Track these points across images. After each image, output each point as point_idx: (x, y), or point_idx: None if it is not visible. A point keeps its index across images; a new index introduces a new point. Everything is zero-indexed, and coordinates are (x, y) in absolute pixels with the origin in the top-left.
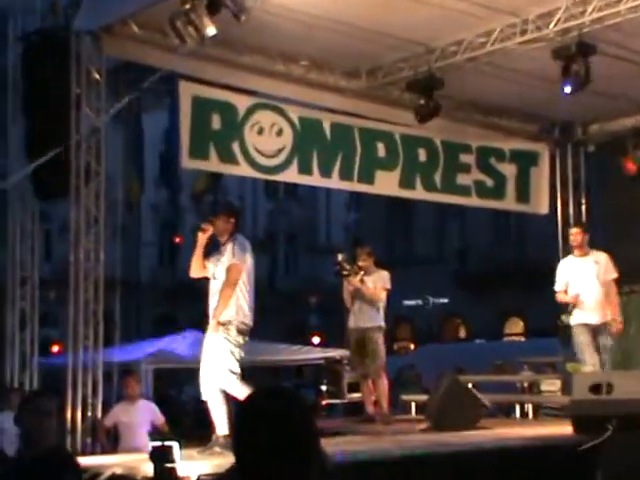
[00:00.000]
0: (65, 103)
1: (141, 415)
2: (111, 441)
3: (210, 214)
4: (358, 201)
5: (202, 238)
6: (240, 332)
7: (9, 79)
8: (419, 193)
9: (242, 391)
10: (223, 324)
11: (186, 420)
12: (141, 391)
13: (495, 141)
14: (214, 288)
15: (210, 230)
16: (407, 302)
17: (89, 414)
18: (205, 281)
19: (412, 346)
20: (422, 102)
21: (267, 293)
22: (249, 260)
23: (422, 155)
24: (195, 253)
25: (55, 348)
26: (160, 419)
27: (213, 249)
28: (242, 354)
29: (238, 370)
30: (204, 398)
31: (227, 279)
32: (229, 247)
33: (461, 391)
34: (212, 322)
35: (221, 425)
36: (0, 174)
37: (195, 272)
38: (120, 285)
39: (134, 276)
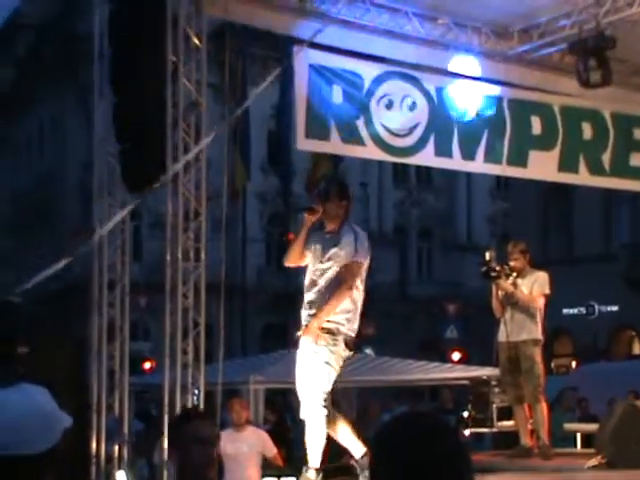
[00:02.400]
0: (159, 73)
1: (249, 445)
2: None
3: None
4: (506, 188)
5: (309, 221)
6: (347, 345)
7: (94, 47)
8: (583, 177)
9: (319, 421)
10: (329, 332)
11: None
12: (249, 417)
13: None
14: (315, 281)
15: (319, 213)
16: (567, 311)
17: None
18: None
19: (574, 364)
20: (588, 66)
21: (396, 300)
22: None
23: (587, 131)
24: (298, 237)
25: (146, 365)
26: (272, 450)
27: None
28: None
29: (328, 391)
30: (302, 417)
31: (344, 278)
32: (347, 239)
33: (639, 420)
34: (313, 325)
35: (313, 455)
36: (85, 163)
37: (292, 260)
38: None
39: (238, 279)
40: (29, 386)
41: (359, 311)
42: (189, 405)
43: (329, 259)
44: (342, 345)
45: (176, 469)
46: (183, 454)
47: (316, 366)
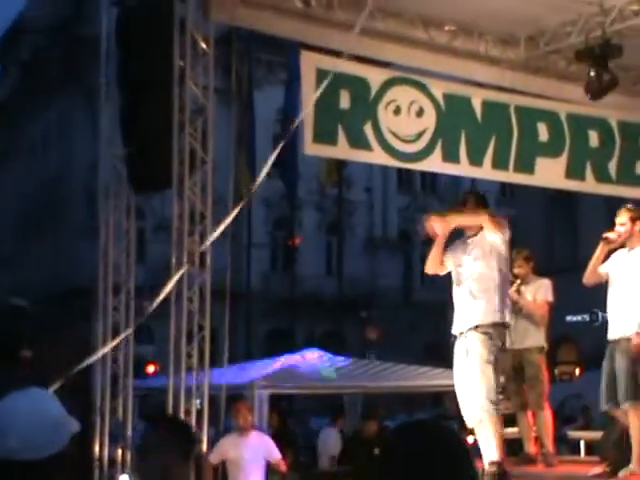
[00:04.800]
0: (166, 78)
1: (253, 451)
2: None
3: (336, 209)
4: (512, 195)
5: (446, 230)
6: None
7: (101, 50)
8: (589, 185)
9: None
10: (485, 332)
11: (308, 458)
12: (254, 422)
13: None
14: (462, 285)
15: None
16: (571, 318)
17: None
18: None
19: (578, 371)
20: (594, 74)
21: (401, 305)
22: None
23: (593, 138)
24: (436, 246)
25: (150, 368)
26: (276, 456)
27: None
28: None
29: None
30: (470, 425)
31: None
32: (492, 237)
33: None
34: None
35: (490, 452)
36: (91, 165)
37: (432, 268)
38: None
39: (243, 284)
40: (37, 390)
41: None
42: (193, 409)
43: (475, 260)
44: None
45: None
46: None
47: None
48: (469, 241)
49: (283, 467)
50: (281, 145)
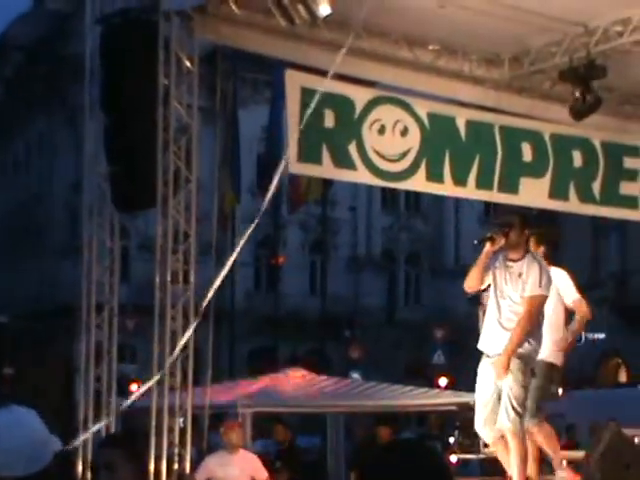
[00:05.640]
0: (151, 96)
1: (240, 469)
2: None
3: (320, 228)
4: (495, 214)
5: (489, 250)
6: (532, 370)
7: (86, 68)
8: (573, 205)
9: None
10: (520, 357)
11: (294, 475)
12: (243, 440)
13: None
14: (498, 309)
15: (501, 242)
16: None
17: (176, 467)
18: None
19: (560, 391)
20: (578, 95)
21: (384, 324)
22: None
23: (577, 159)
24: (477, 264)
25: (134, 387)
26: (262, 474)
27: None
28: None
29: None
30: (489, 442)
31: (529, 310)
32: (533, 270)
33: (626, 448)
34: (502, 357)
35: (514, 470)
36: (73, 183)
37: (472, 286)
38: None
39: (227, 303)
40: (18, 408)
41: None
42: (176, 428)
43: (513, 288)
44: (528, 369)
45: None
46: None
47: (507, 387)
48: (510, 264)
49: None
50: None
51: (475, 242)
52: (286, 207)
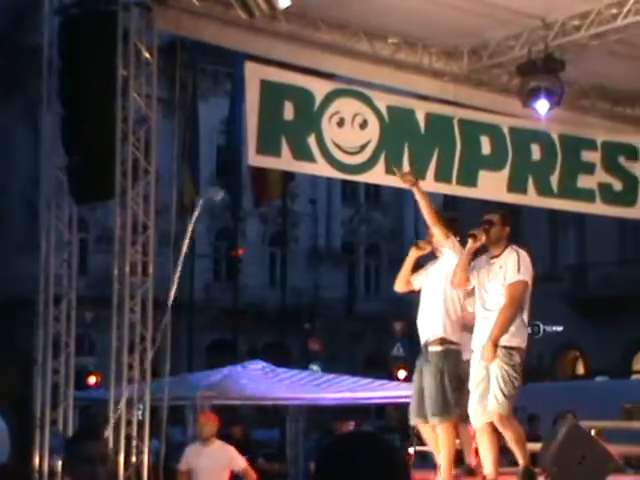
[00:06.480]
0: (109, 87)
1: (213, 460)
2: None
3: (280, 220)
4: (454, 207)
5: (472, 247)
6: (521, 364)
7: (43, 59)
8: (531, 198)
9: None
10: (506, 348)
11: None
12: (215, 431)
13: (626, 135)
14: (484, 304)
15: (482, 239)
16: None
17: (134, 459)
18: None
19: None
20: (532, 89)
21: (344, 317)
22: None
23: (536, 152)
24: (461, 262)
25: (92, 379)
26: (240, 464)
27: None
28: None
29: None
30: (476, 427)
31: (510, 297)
32: (512, 259)
33: (583, 440)
34: (488, 344)
35: (487, 464)
36: (32, 176)
37: (459, 284)
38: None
39: (185, 295)
40: None
41: (526, 327)
42: (134, 420)
43: (494, 281)
44: (519, 360)
45: None
46: (74, 473)
47: (494, 380)
48: (492, 261)
49: (252, 475)
50: None
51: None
52: (252, 200)
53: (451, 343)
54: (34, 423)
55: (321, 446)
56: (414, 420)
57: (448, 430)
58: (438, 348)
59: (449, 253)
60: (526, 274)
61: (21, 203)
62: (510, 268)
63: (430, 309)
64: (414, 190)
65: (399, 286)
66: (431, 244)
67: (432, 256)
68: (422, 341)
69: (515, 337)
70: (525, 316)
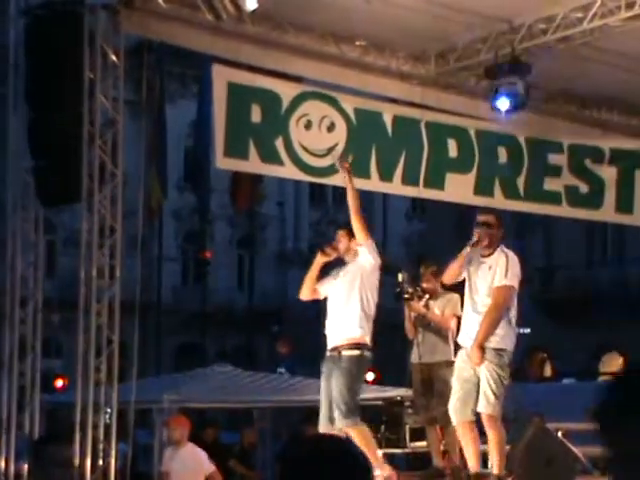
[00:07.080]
0: (76, 90)
1: (185, 463)
2: None
3: (248, 223)
4: (422, 210)
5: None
6: (509, 365)
7: (9, 61)
8: (498, 201)
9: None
10: (496, 350)
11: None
12: (186, 435)
13: (592, 139)
14: (474, 304)
15: (484, 242)
16: None
17: (100, 463)
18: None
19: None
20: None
21: (312, 319)
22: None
23: (502, 155)
24: (456, 260)
25: (59, 382)
26: (209, 468)
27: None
28: None
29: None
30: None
31: (495, 301)
32: (501, 262)
33: (549, 442)
34: (474, 348)
35: (471, 459)
36: None
37: (449, 279)
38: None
39: (152, 298)
40: None
41: (514, 329)
42: (101, 423)
43: (482, 280)
44: (507, 362)
45: None
46: (43, 477)
47: (484, 380)
48: (483, 261)
49: (219, 478)
50: None
51: (467, 248)
52: (230, 203)
53: (367, 349)
54: (0, 426)
55: (283, 450)
56: (325, 427)
57: (360, 434)
58: (355, 352)
59: (365, 253)
60: (513, 279)
61: None
62: (498, 272)
63: (343, 311)
64: (346, 177)
65: (304, 294)
66: (337, 250)
67: (340, 262)
68: (330, 345)
69: (504, 339)
70: (513, 318)
